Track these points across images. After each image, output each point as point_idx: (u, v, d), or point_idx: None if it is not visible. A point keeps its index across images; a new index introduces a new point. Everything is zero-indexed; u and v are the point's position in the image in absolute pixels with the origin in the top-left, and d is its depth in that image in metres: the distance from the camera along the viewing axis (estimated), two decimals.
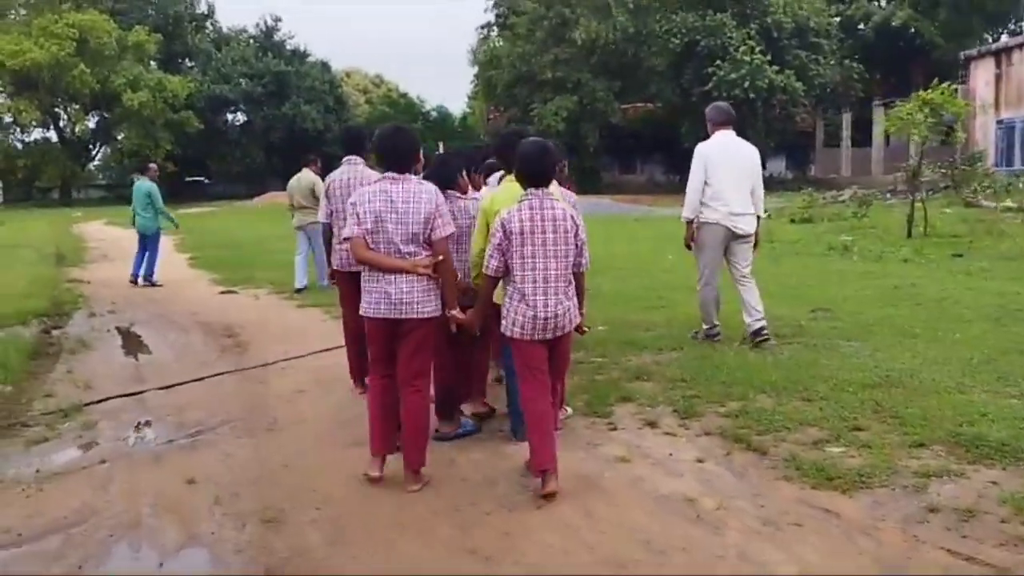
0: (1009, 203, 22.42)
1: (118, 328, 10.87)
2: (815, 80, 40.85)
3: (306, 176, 13.71)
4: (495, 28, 48.50)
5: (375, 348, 5.13)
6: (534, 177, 4.88)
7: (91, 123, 61.51)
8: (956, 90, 35.73)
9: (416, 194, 4.88)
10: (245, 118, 66.15)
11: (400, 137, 5.10)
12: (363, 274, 5.01)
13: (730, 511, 4.48)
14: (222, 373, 8.16)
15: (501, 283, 4.98)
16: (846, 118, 41.31)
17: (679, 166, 44.54)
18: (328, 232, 7.32)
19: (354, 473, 5.19)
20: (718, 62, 39.51)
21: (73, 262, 19.93)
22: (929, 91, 17.03)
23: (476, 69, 51.10)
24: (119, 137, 60.15)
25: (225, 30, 69.65)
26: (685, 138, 40.55)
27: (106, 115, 59.31)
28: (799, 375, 6.88)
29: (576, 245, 4.89)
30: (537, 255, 4.75)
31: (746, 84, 38.63)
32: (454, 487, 4.97)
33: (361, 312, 5.03)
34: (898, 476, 4.80)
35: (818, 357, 7.53)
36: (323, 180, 14.03)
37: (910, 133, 17.10)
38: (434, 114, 71.59)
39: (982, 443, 5.17)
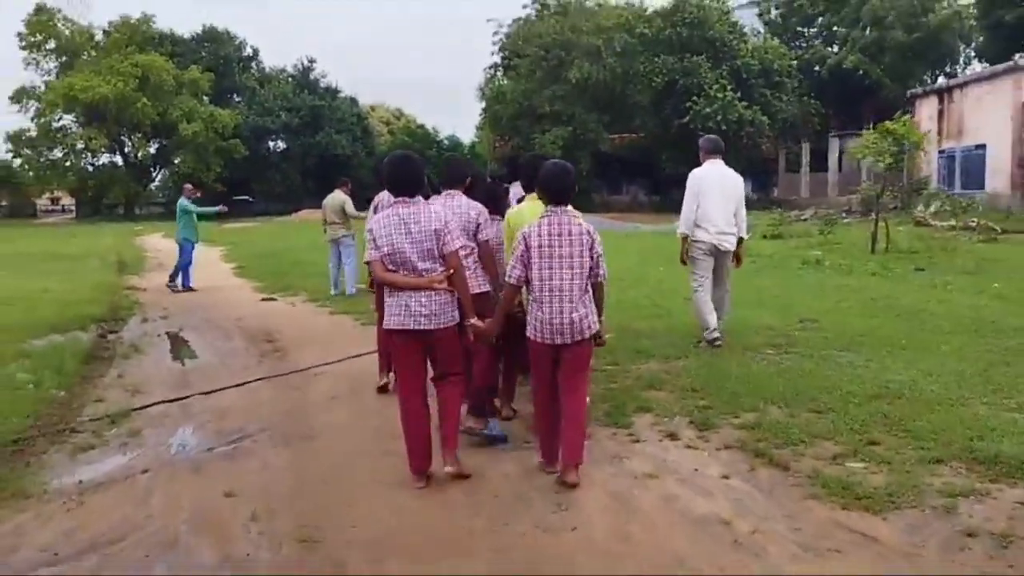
0: (953, 222, 21.79)
1: (168, 333, 10.21)
2: (778, 115, 40.19)
3: (338, 196, 13.61)
4: (500, 69, 47.68)
5: (402, 361, 4.74)
6: (555, 195, 4.62)
7: (152, 149, 60.83)
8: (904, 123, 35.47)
9: (425, 215, 4.57)
10: (284, 145, 65.29)
11: (408, 165, 4.75)
12: (386, 293, 4.70)
13: (766, 535, 3.81)
14: (261, 379, 7.49)
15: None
16: (805, 147, 40.56)
17: (659, 188, 43.99)
18: None
19: (389, 486, 4.55)
20: (695, 98, 38.84)
21: (133, 271, 19.28)
22: (892, 122, 16.38)
23: (483, 104, 50.39)
24: (176, 161, 59.48)
25: (267, 69, 68.85)
26: (665, 164, 39.98)
27: (164, 142, 58.54)
28: (803, 386, 6.23)
29: (592, 257, 4.59)
30: (554, 266, 4.52)
31: (719, 117, 37.96)
32: (488, 504, 4.31)
33: (385, 327, 4.71)
34: (925, 496, 4.15)
35: (817, 367, 6.88)
36: (351, 199, 13.97)
37: (876, 158, 16.42)
38: (446, 143, 70.84)
39: (1000, 460, 4.52)
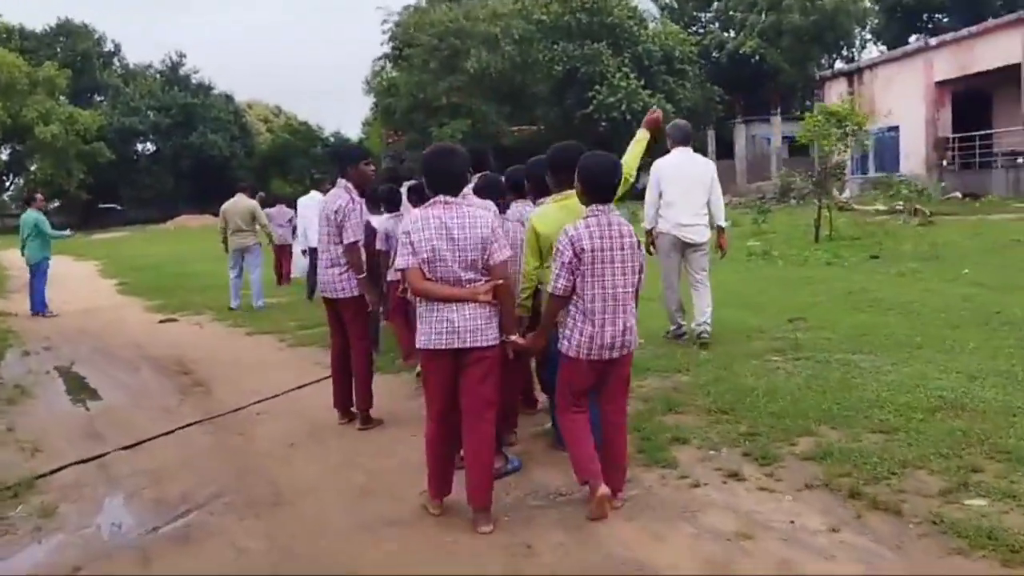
0: (879, 206, 22.01)
1: (58, 369, 8.86)
2: (682, 103, 40.41)
3: (243, 201, 12.74)
4: (391, 60, 46.48)
5: (434, 385, 4.23)
6: (601, 192, 4.17)
7: (3, 155, 56.85)
8: (812, 106, 36.08)
9: (472, 218, 4.14)
10: (154, 147, 62.36)
11: (453, 159, 4.30)
12: (420, 305, 4.21)
13: None
14: (192, 424, 6.37)
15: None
16: (710, 135, 40.93)
17: None
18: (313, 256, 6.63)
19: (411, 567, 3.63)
20: (597, 87, 38.64)
21: None
22: (838, 104, 16.31)
23: (373, 97, 49.17)
24: (32, 168, 55.86)
25: (132, 66, 65.57)
26: None
27: (18, 147, 54.82)
28: (846, 400, 5.61)
29: (640, 263, 4.27)
30: (607, 273, 4.10)
31: (623, 107, 37.92)
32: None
33: (421, 345, 4.18)
34: None
35: (844, 375, 6.27)
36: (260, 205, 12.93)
37: (821, 142, 16.25)
38: (331, 140, 69.02)
39: None
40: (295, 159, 67.43)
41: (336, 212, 5.98)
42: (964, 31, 25.87)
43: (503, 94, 41.38)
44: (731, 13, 47.01)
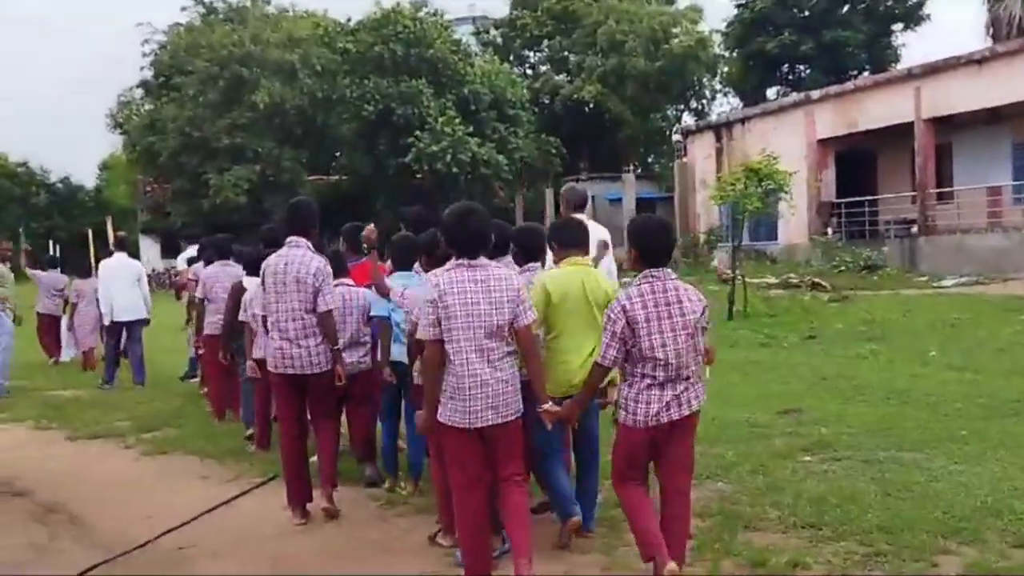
0: (770, 278, 23.20)
1: None
2: (515, 153, 41.25)
3: None
4: (150, 90, 44.69)
5: (472, 468, 4.80)
6: (654, 256, 4.76)
7: None
8: (673, 164, 37.89)
9: (498, 281, 4.75)
10: None
11: (477, 219, 4.86)
12: (450, 380, 4.71)
13: None
14: (97, 566, 5.58)
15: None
16: (548, 193, 41.89)
17: None
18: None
19: None
20: (417, 132, 38.72)
21: None
22: (759, 159, 17.12)
23: (120, 134, 47.15)
24: None
25: None
26: (380, 211, 39.19)
27: None
28: (944, 506, 5.80)
29: (704, 325, 4.81)
30: (667, 341, 4.59)
31: (448, 157, 38.08)
32: None
33: (451, 423, 4.73)
34: None
35: (907, 477, 6.49)
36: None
37: (742, 204, 16.94)
38: (60, 187, 65.43)
39: None
40: (7, 209, 63.35)
41: (315, 275, 6.25)
42: (850, 84, 28.09)
43: (300, 136, 40.71)
44: (566, 54, 48.78)
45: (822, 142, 27.93)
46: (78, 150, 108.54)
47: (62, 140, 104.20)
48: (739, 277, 17.01)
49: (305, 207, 6.80)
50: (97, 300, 13.35)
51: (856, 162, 28.33)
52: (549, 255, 5.90)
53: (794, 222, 27.34)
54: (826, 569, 4.95)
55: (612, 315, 4.64)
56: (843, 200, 27.56)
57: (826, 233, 27.00)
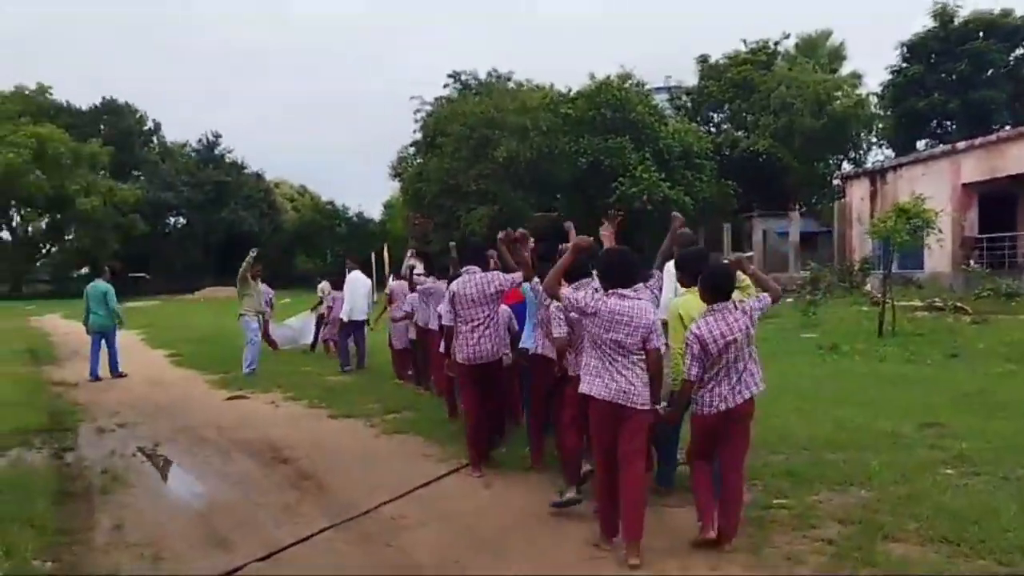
0: (917, 302, 21.20)
1: (143, 451, 7.89)
2: (699, 195, 40.06)
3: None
4: (422, 146, 46.26)
5: (599, 432, 4.92)
6: (717, 293, 4.87)
7: (43, 224, 56.39)
8: (833, 204, 35.69)
9: (641, 308, 4.85)
10: (185, 221, 61.98)
11: (626, 259, 5.04)
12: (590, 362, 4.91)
13: None
14: (326, 529, 5.40)
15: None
16: (727, 228, 40.41)
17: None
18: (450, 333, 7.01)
19: None
20: (620, 179, 38.28)
21: (48, 359, 16.49)
22: (908, 200, 15.70)
23: (399, 181, 49.13)
24: (68, 237, 55.43)
25: (170, 143, 65.56)
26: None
27: (58, 216, 54.33)
28: None
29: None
30: (729, 359, 4.75)
31: (644, 197, 37.44)
32: None
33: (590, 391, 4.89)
34: None
35: None
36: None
37: (893, 237, 15.55)
38: (355, 219, 68.84)
39: None
40: (318, 236, 67.25)
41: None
42: (993, 136, 25.47)
43: (528, 182, 40.96)
44: (744, 115, 46.99)
45: (966, 186, 25.34)
46: (369, 192, 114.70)
47: (358, 186, 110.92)
48: (889, 299, 15.47)
49: (481, 248, 7.67)
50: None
51: (998, 203, 25.56)
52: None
53: (939, 253, 24.88)
54: None
55: (689, 340, 4.81)
56: (985, 235, 24.96)
57: (968, 264, 24.47)
